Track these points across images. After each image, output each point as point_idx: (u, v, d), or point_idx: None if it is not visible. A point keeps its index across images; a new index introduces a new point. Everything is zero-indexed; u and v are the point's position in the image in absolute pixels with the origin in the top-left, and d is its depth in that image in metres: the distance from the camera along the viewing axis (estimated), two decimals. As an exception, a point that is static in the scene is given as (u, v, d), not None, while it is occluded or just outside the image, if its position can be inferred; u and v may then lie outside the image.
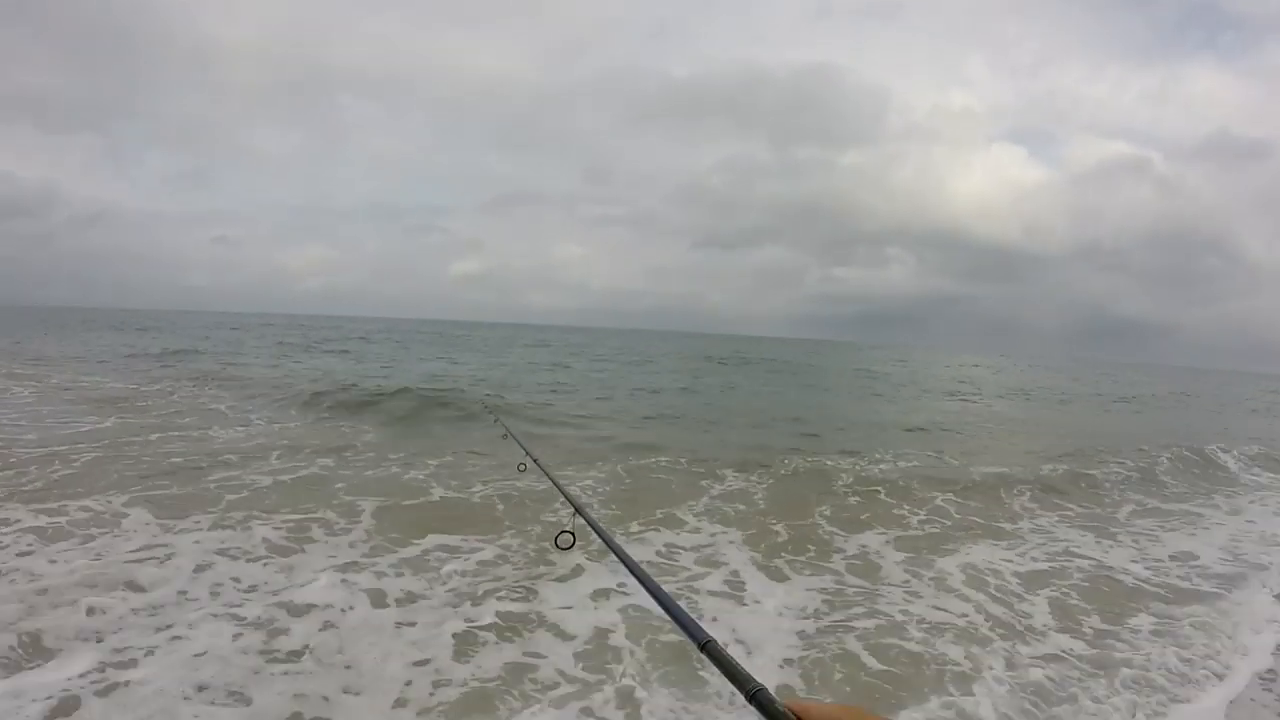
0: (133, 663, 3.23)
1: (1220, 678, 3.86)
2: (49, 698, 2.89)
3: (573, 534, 1.98)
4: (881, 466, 9.35)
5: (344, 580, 4.38)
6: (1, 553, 4.42)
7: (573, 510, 2.14)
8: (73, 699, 2.91)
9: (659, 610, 1.20)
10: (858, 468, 9.16)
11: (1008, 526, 6.91)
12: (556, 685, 3.36)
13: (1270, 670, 3.97)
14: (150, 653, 3.32)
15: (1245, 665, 4.03)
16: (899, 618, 4.46)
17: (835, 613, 4.53)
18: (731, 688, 0.85)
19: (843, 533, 6.34)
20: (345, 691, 3.18)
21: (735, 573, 5.12)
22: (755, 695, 0.78)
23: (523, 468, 3.68)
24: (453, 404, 12.23)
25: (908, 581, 5.15)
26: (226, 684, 3.11)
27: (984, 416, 17.47)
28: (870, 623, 4.36)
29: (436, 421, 10.93)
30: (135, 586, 4.06)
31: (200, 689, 3.07)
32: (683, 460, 8.89)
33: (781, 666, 3.75)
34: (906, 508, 7.34)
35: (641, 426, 12.01)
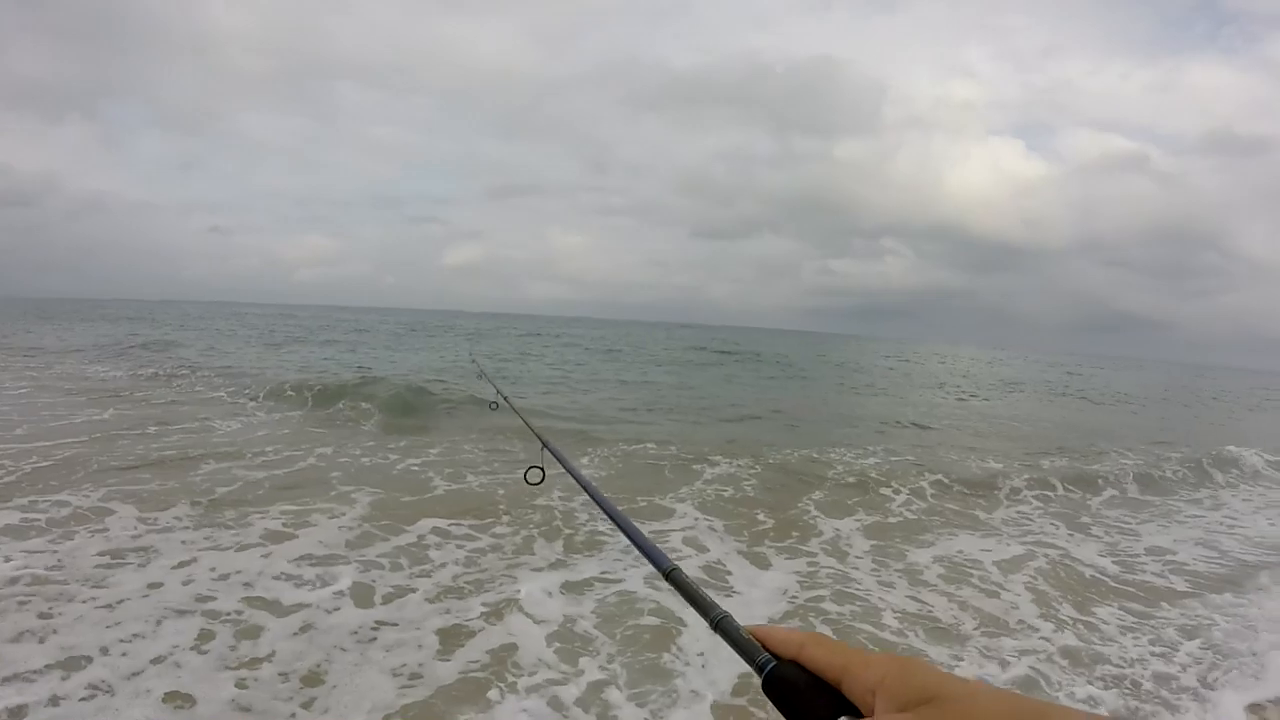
0: (86, 662, 3.22)
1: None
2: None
3: (542, 469, 1.98)
4: (872, 459, 9.48)
5: (332, 570, 4.51)
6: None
7: (540, 445, 2.12)
8: (19, 706, 2.87)
9: (625, 541, 1.21)
10: (846, 460, 9.28)
11: (985, 518, 7.05)
12: (534, 672, 3.45)
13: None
14: (105, 652, 3.31)
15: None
16: (875, 604, 4.63)
17: (807, 593, 4.73)
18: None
19: (826, 519, 6.51)
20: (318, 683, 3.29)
21: (719, 560, 5.27)
22: (719, 622, 0.78)
23: (494, 406, 3.77)
24: (440, 394, 12.34)
25: (877, 570, 5.33)
26: (183, 687, 3.09)
27: (977, 412, 17.53)
28: (845, 607, 4.53)
29: (423, 411, 11.04)
30: (99, 583, 4.07)
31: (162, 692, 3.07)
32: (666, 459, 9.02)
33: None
34: (890, 497, 7.48)
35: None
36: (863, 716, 0.54)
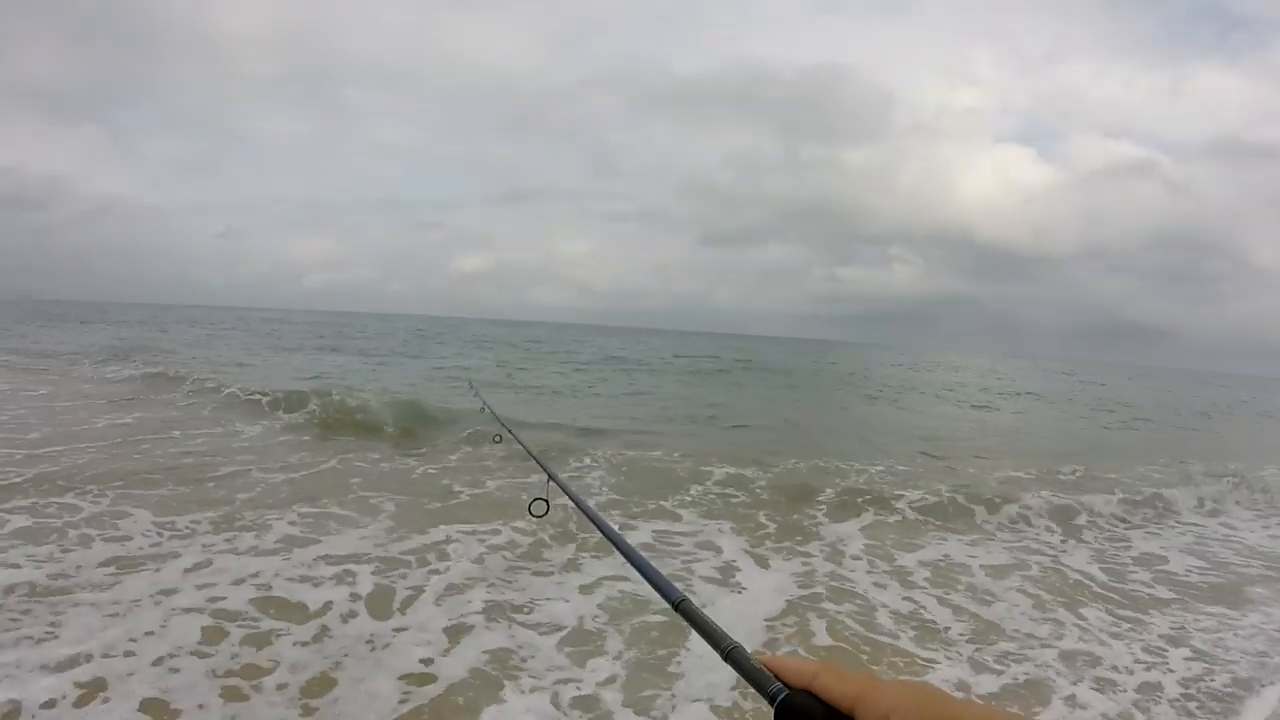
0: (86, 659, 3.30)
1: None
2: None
3: (547, 501, 1.99)
4: (876, 469, 9.55)
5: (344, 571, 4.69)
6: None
7: (546, 477, 2.12)
8: (12, 707, 2.92)
9: (634, 573, 1.18)
10: (854, 469, 9.40)
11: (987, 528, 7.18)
12: (545, 673, 3.58)
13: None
14: (108, 654, 3.37)
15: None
16: (871, 602, 4.82)
17: (807, 590, 4.95)
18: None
19: (830, 524, 6.69)
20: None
21: (730, 561, 5.46)
22: (730, 653, 0.78)
23: (497, 439, 3.82)
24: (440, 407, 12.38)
25: (873, 570, 5.51)
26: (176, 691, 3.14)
27: (987, 425, 17.23)
28: (843, 605, 4.72)
29: (435, 422, 11.18)
30: (111, 586, 4.17)
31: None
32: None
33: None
34: (897, 506, 7.60)
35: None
36: None
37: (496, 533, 5.72)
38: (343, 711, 3.15)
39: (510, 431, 3.46)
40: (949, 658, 4.09)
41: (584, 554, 5.27)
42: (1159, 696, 3.80)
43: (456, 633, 3.92)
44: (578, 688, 3.46)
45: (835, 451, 10.69)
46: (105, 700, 3.06)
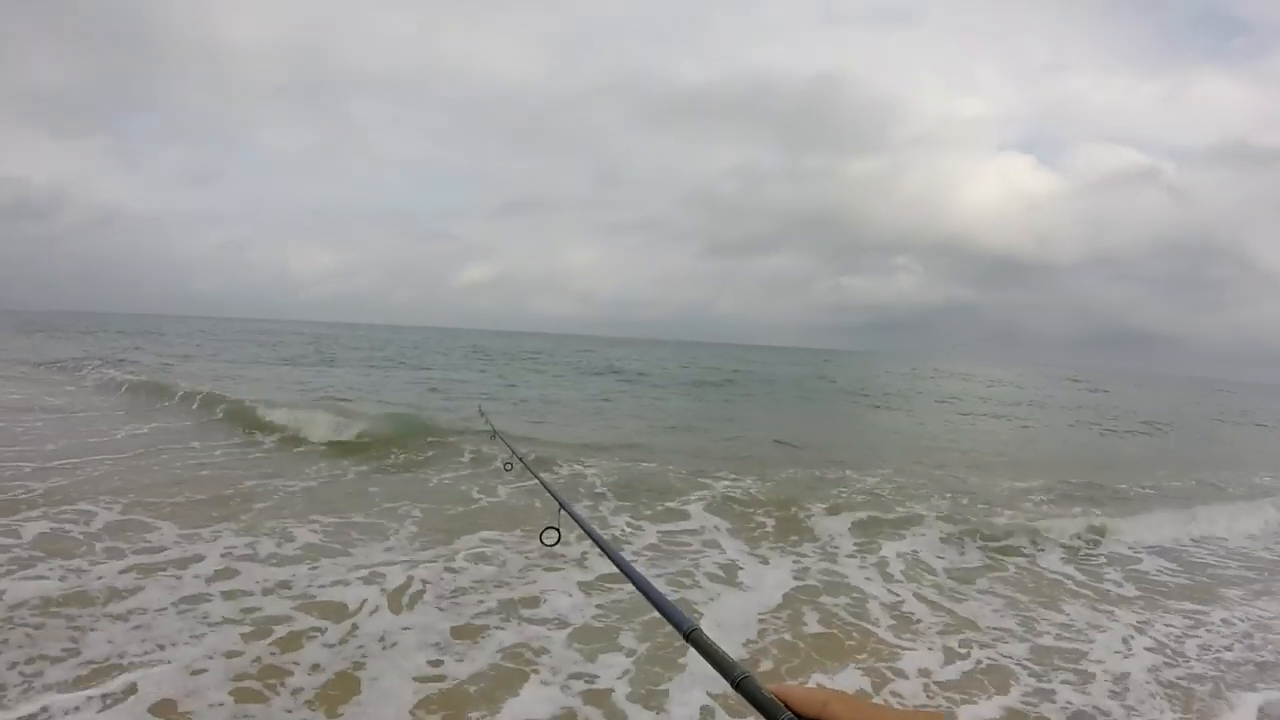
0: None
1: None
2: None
3: (558, 530, 2.02)
4: (871, 480, 9.62)
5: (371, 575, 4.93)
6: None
7: (558, 507, 2.15)
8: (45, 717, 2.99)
9: (644, 601, 1.21)
10: (854, 478, 9.57)
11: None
12: (556, 669, 3.75)
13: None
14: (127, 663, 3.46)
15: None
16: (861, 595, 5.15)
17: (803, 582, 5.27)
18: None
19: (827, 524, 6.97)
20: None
21: (733, 560, 5.74)
22: (741, 682, 0.79)
23: (509, 467, 3.73)
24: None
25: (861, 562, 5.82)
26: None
27: (991, 437, 16.73)
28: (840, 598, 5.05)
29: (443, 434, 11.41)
30: (134, 593, 4.31)
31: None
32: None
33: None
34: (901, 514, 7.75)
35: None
36: None
37: (515, 533, 5.94)
38: (366, 712, 3.28)
39: (521, 460, 3.45)
40: (928, 647, 4.38)
41: (593, 553, 5.54)
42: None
43: (474, 631, 4.13)
44: (588, 682, 3.65)
45: (836, 463, 10.78)
46: (129, 706, 3.17)
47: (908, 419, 19.83)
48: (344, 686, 3.47)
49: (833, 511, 7.50)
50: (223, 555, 5.12)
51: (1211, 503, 9.24)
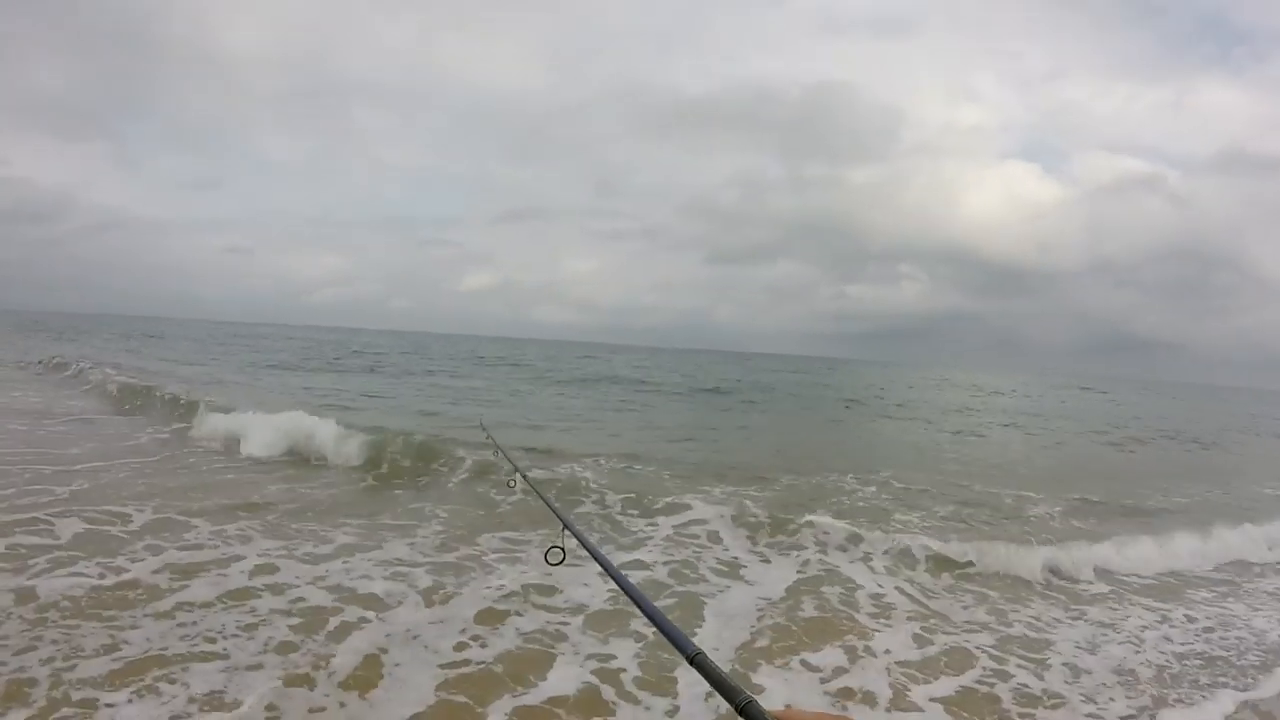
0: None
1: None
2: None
3: (562, 549, 2.04)
4: (869, 489, 9.77)
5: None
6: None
7: (561, 526, 2.16)
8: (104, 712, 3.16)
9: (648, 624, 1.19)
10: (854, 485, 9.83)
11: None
12: (575, 653, 4.12)
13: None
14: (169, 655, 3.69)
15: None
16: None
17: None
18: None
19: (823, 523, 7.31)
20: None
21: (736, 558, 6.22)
22: (745, 707, 0.79)
23: (512, 484, 3.74)
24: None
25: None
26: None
27: (997, 449, 16.30)
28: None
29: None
30: (176, 590, 4.57)
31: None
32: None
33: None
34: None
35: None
36: None
37: (537, 532, 6.32)
38: (398, 696, 3.56)
39: (525, 477, 3.51)
40: (899, 632, 4.87)
41: (606, 546, 6.03)
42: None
43: (499, 616, 4.54)
44: (602, 662, 4.03)
45: (838, 471, 10.90)
46: (172, 696, 3.40)
47: (912, 427, 19.88)
48: (373, 669, 3.80)
49: (836, 515, 7.79)
50: (260, 554, 5.41)
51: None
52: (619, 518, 7.32)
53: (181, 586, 4.67)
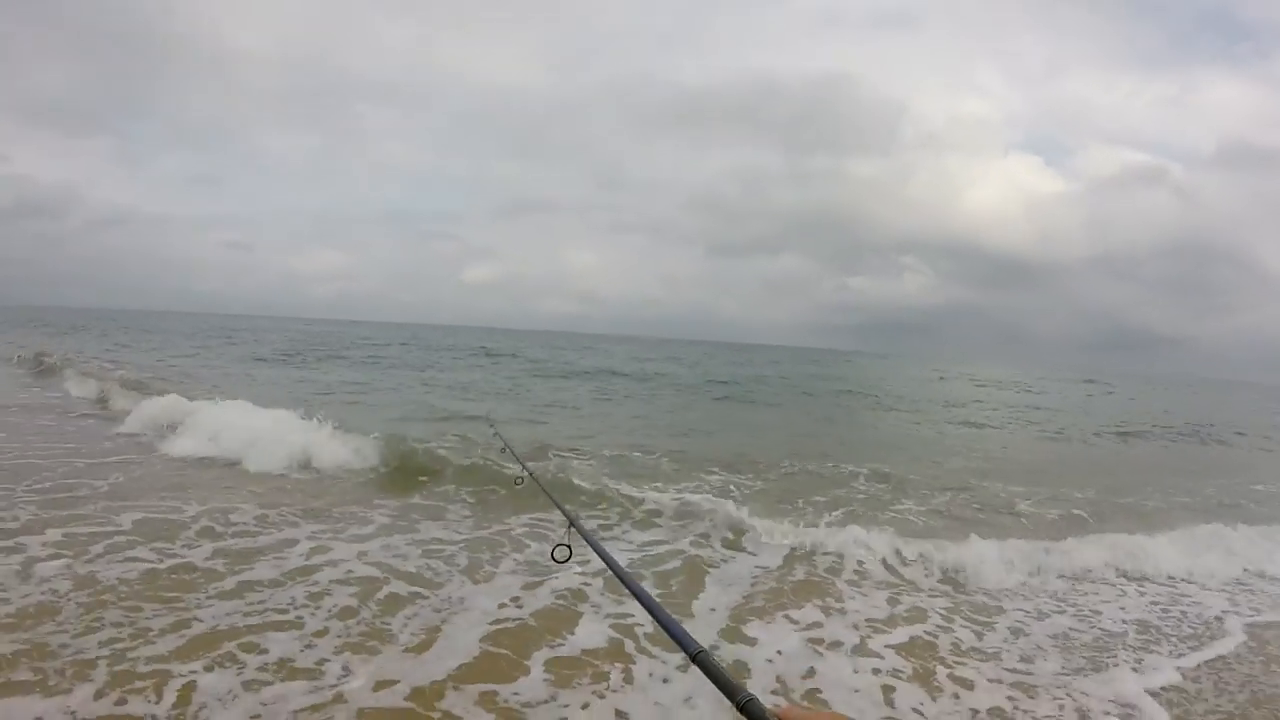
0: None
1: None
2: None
3: (569, 546, 2.03)
4: (867, 479, 10.18)
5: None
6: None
7: (567, 524, 2.15)
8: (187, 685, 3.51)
9: (651, 621, 1.17)
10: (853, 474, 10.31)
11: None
12: (596, 612, 4.75)
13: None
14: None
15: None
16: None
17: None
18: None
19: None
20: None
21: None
22: (745, 705, 0.81)
23: (519, 482, 3.86)
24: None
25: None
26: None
27: (1002, 447, 15.85)
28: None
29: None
30: (235, 571, 5.01)
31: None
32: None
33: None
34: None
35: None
36: None
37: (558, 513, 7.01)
38: (450, 648, 4.13)
39: (532, 475, 3.52)
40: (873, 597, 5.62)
41: (625, 522, 6.88)
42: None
43: (531, 585, 5.19)
44: (620, 620, 4.66)
45: (840, 460, 11.28)
46: (247, 665, 3.80)
47: (912, 419, 20.20)
48: (426, 630, 4.35)
49: (833, 503, 8.44)
50: (310, 537, 5.98)
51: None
52: (620, 502, 7.83)
53: (245, 568, 5.17)
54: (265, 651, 3.97)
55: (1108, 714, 4.02)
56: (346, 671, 3.83)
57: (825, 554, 6.47)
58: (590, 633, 4.56)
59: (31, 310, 67.47)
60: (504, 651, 4.22)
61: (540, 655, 4.21)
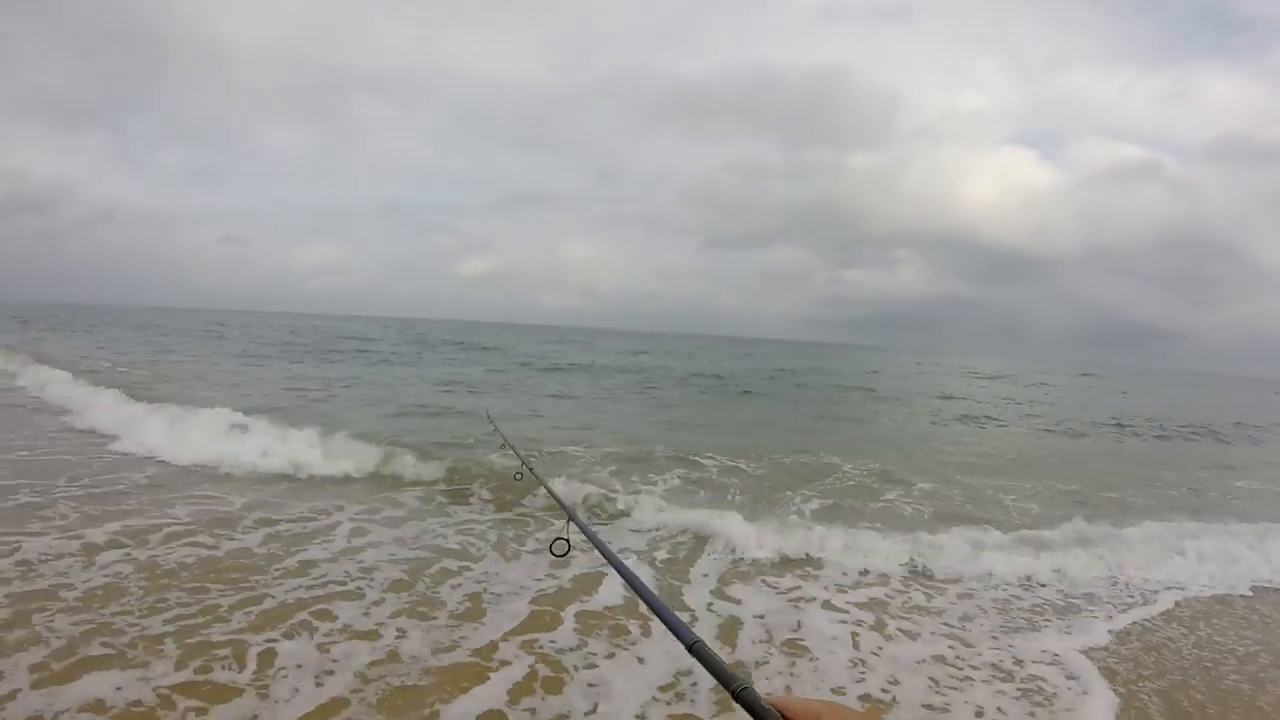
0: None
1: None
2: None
3: (568, 541, 2.10)
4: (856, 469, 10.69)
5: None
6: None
7: (567, 518, 2.18)
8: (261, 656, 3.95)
9: (649, 611, 1.20)
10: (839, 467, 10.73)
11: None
12: (613, 575, 5.41)
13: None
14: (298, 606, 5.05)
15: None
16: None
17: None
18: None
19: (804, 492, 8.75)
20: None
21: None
22: (741, 693, 0.82)
23: (519, 477, 4.01)
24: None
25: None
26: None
27: (1002, 443, 15.76)
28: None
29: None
30: (298, 551, 6.00)
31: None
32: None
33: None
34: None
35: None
36: None
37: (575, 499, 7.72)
38: (497, 614, 4.83)
39: (532, 470, 3.57)
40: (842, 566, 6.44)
41: (641, 507, 7.58)
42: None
43: (558, 562, 5.82)
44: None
45: (829, 452, 11.63)
46: (318, 630, 4.32)
47: (904, 412, 20.50)
48: (477, 600, 5.03)
49: (822, 492, 9.07)
50: (350, 520, 6.73)
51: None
52: (616, 487, 8.36)
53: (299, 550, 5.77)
54: (335, 619, 4.60)
55: (1036, 662, 4.77)
56: (401, 633, 4.48)
57: (810, 530, 7.16)
58: (612, 593, 5.36)
59: (28, 308, 67.33)
60: (548, 608, 5.01)
61: (573, 608, 5.04)
